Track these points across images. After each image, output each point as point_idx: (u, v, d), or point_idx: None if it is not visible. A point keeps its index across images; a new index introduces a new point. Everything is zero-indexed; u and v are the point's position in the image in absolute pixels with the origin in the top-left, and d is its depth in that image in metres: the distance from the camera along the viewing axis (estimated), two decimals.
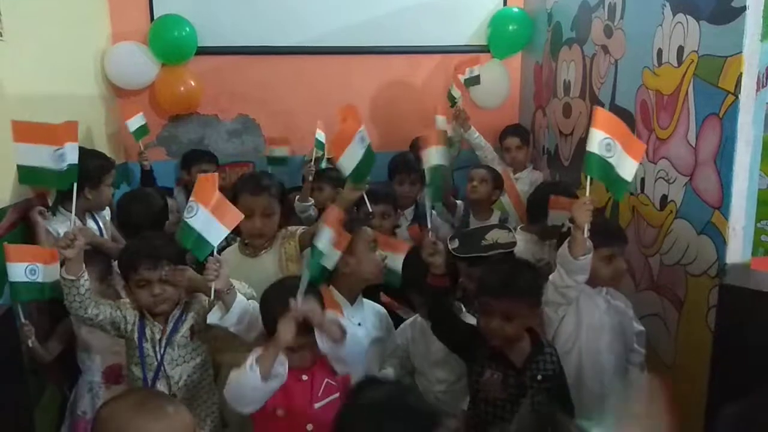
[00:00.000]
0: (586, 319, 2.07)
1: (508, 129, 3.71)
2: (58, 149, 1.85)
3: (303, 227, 2.39)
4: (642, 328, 2.17)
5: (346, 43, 3.90)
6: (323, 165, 3.37)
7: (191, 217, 1.76)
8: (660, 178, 2.33)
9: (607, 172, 1.80)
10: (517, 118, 4.08)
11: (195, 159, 3.62)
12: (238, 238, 2.37)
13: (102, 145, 3.29)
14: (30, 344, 2.04)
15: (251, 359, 1.60)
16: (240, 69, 3.86)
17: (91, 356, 2.27)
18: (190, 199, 1.79)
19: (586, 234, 1.85)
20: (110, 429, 1.23)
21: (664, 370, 2.30)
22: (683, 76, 2.18)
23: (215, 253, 1.81)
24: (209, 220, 1.77)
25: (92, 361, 2.28)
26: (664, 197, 2.31)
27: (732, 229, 1.96)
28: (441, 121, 3.29)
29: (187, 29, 3.63)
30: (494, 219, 3.05)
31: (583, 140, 3.02)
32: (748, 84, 1.89)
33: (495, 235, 2.32)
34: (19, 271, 1.95)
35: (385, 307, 2.24)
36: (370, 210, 2.49)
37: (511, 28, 3.90)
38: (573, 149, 3.23)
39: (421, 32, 3.95)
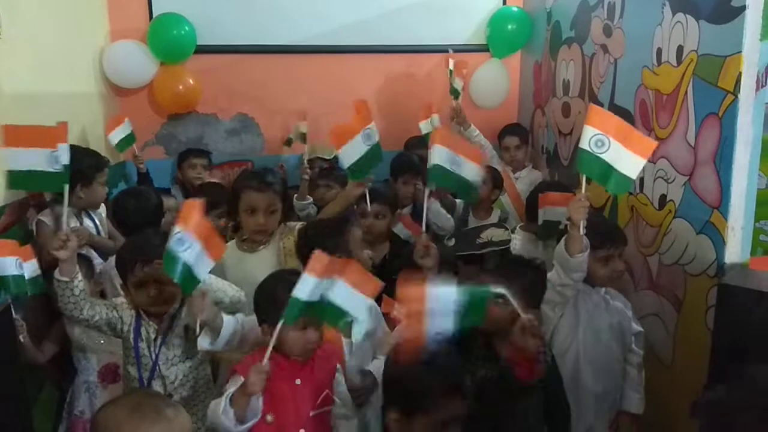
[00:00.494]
0: (584, 318, 2.07)
1: (507, 128, 3.71)
2: (54, 151, 1.82)
3: (301, 222, 2.38)
4: (640, 328, 2.18)
5: (346, 42, 3.90)
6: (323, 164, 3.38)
7: (184, 250, 1.63)
8: (659, 177, 2.33)
9: (599, 168, 1.79)
10: (517, 117, 4.08)
11: (185, 155, 3.64)
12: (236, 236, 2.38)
13: (100, 144, 3.29)
14: (21, 339, 2.03)
15: (224, 402, 1.55)
16: (239, 68, 3.86)
17: (86, 356, 2.27)
18: (178, 229, 1.64)
19: (582, 231, 1.85)
20: None
21: (662, 369, 2.29)
22: (682, 76, 2.18)
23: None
24: (199, 252, 1.66)
25: (87, 361, 2.28)
26: (663, 197, 2.31)
27: (731, 229, 1.96)
28: (435, 120, 3.31)
29: (186, 28, 3.63)
30: (494, 218, 3.05)
31: None
32: (747, 83, 1.89)
33: (490, 234, 2.33)
34: (9, 264, 1.94)
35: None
36: (369, 208, 2.48)
37: (510, 27, 3.90)
38: (572, 148, 3.23)
39: (420, 31, 3.95)
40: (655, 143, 1.83)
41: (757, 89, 1.89)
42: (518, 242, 2.60)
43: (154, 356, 1.88)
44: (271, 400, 1.65)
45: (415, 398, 1.48)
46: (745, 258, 1.98)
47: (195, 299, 1.70)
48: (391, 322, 2.17)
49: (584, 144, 1.78)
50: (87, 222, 2.58)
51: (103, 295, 2.26)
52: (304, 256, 2.06)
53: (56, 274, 1.78)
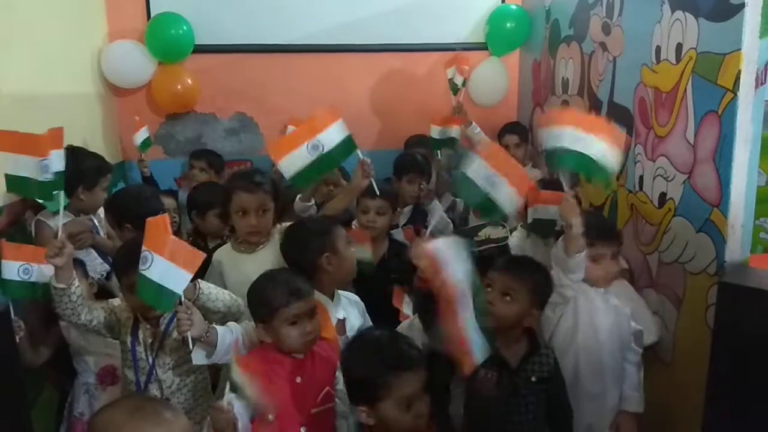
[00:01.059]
0: (584, 318, 2.07)
1: (507, 127, 3.70)
2: (42, 160, 1.80)
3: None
4: (640, 327, 2.17)
5: (344, 41, 3.89)
6: None
7: (146, 268, 1.61)
8: (658, 175, 2.32)
9: (576, 161, 1.82)
10: (516, 115, 4.07)
11: (190, 157, 3.65)
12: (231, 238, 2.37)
13: (98, 144, 3.29)
14: (17, 339, 2.01)
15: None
16: (237, 67, 3.85)
17: (84, 358, 2.26)
18: (143, 248, 1.63)
19: (580, 230, 1.85)
20: None
21: (662, 368, 2.29)
22: (682, 74, 2.17)
23: (183, 299, 1.68)
24: (167, 267, 1.60)
25: (86, 363, 2.27)
26: (663, 195, 2.30)
27: (731, 227, 1.95)
28: (435, 131, 3.43)
29: (184, 27, 3.62)
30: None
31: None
32: (746, 81, 1.88)
33: (487, 232, 2.34)
34: (12, 269, 1.93)
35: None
36: (377, 193, 2.48)
37: (509, 25, 3.89)
38: None
39: (419, 30, 3.94)
40: (623, 135, 1.89)
41: (757, 87, 1.89)
42: (516, 239, 2.59)
43: (150, 360, 1.87)
44: (272, 399, 1.64)
45: (368, 386, 1.50)
46: (746, 256, 1.98)
47: (181, 316, 1.67)
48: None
49: (556, 143, 1.83)
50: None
51: (103, 292, 2.22)
52: (287, 257, 2.07)
53: (52, 280, 1.77)
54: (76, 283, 1.78)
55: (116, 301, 1.97)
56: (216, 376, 2.10)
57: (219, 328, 1.76)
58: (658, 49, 2.33)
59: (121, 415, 1.23)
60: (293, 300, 1.67)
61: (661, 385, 2.25)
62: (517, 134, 3.61)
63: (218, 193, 2.79)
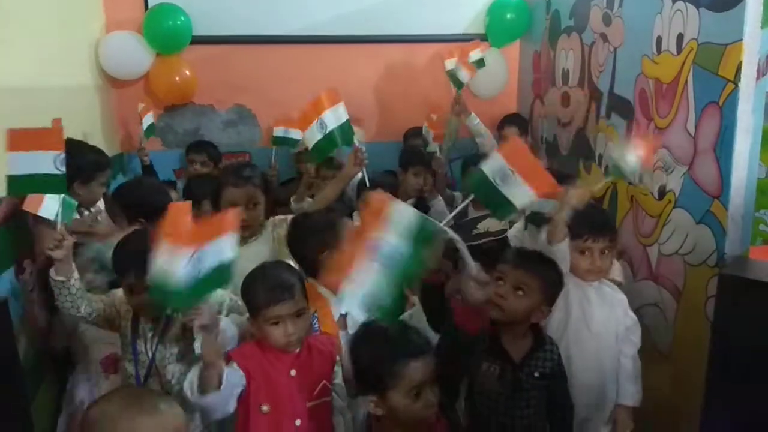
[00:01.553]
0: (575, 311, 2.05)
1: (507, 118, 3.69)
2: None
3: (291, 215, 2.36)
4: (635, 317, 2.14)
5: (343, 32, 3.87)
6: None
7: (196, 267, 1.43)
8: (659, 167, 2.31)
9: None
10: (516, 107, 4.05)
11: (187, 150, 3.64)
12: None
13: (96, 136, 3.27)
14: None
15: (192, 372, 1.54)
16: (235, 58, 3.83)
17: (87, 346, 2.26)
18: (182, 249, 1.43)
19: (564, 219, 1.84)
20: (102, 428, 1.21)
21: (661, 360, 2.29)
22: (683, 65, 2.16)
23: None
24: (210, 249, 1.47)
25: (89, 352, 2.26)
26: (663, 187, 2.29)
27: (731, 219, 1.94)
28: (425, 131, 3.45)
29: (182, 18, 3.60)
30: None
31: (582, 129, 3.03)
32: (748, 72, 1.87)
33: (486, 224, 2.33)
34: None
35: None
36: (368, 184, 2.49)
37: (509, 16, 3.86)
38: (571, 138, 3.21)
39: (418, 21, 3.92)
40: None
41: (758, 78, 1.87)
42: (515, 230, 2.58)
43: (150, 354, 1.86)
44: (266, 390, 1.65)
45: (377, 375, 1.50)
46: (746, 248, 1.97)
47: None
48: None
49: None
50: (85, 215, 2.56)
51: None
52: (291, 250, 2.06)
53: (52, 273, 1.76)
54: (76, 275, 1.78)
55: (118, 293, 1.96)
56: None
57: (223, 318, 1.76)
58: (659, 40, 2.31)
59: (115, 407, 1.23)
60: (273, 302, 1.64)
61: (660, 377, 2.25)
62: (517, 126, 3.60)
63: (213, 185, 2.78)
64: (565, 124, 3.28)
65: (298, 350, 1.71)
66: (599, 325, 2.06)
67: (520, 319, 1.79)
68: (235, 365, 1.60)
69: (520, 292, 1.77)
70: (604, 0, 2.77)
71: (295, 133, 3.51)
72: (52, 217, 1.85)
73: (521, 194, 1.73)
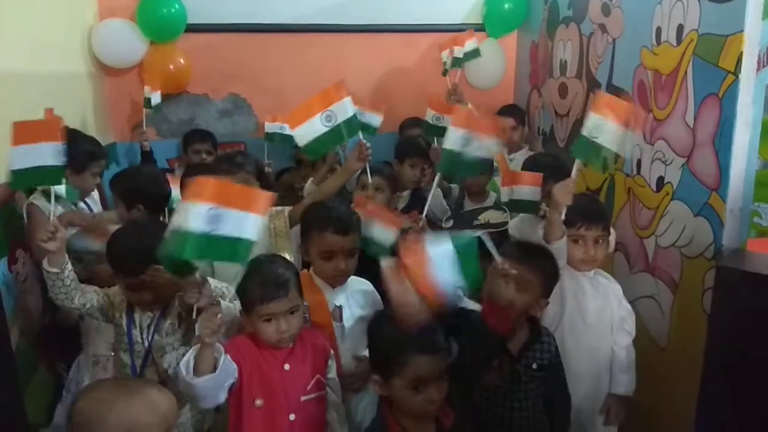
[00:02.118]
0: (570, 302, 2.05)
1: (503, 109, 3.68)
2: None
3: (289, 207, 2.34)
4: (629, 308, 2.14)
5: (339, 21, 3.83)
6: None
7: (215, 227, 1.37)
8: (657, 159, 2.31)
9: (595, 153, 1.87)
10: (513, 98, 4.04)
11: (188, 139, 3.61)
12: None
13: (90, 125, 3.24)
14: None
15: (189, 354, 1.52)
16: (230, 47, 3.79)
17: (99, 326, 2.21)
18: (206, 205, 1.38)
19: (560, 217, 1.86)
20: (91, 418, 1.19)
21: (658, 352, 2.30)
22: (682, 56, 2.15)
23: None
24: (239, 217, 1.42)
25: (100, 332, 2.22)
26: (661, 179, 2.29)
27: (729, 211, 1.94)
28: (430, 115, 3.30)
29: (176, 6, 3.55)
30: (490, 201, 3.03)
31: (579, 121, 3.01)
32: (748, 64, 1.86)
33: (487, 216, 2.32)
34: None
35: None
36: (369, 180, 2.46)
37: (506, 6, 3.84)
38: (569, 130, 3.20)
39: (415, 10, 3.89)
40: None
41: (758, 69, 1.87)
42: (515, 223, 2.57)
43: (147, 343, 1.85)
44: (260, 384, 1.64)
45: (386, 359, 1.50)
46: (743, 240, 1.97)
47: (192, 286, 1.59)
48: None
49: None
50: (81, 206, 2.53)
51: None
52: (305, 239, 2.04)
53: (45, 265, 1.74)
54: (69, 267, 1.76)
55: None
56: None
57: (222, 302, 1.73)
58: (658, 31, 2.30)
59: (109, 395, 1.22)
60: (267, 299, 1.62)
61: (656, 369, 2.26)
62: (513, 117, 3.58)
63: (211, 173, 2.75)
64: (563, 115, 3.27)
65: (291, 345, 1.70)
66: (594, 316, 2.06)
67: (518, 313, 1.78)
68: (228, 358, 1.58)
69: (520, 287, 1.75)
70: None
71: (289, 129, 3.47)
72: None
73: (486, 147, 2.06)
